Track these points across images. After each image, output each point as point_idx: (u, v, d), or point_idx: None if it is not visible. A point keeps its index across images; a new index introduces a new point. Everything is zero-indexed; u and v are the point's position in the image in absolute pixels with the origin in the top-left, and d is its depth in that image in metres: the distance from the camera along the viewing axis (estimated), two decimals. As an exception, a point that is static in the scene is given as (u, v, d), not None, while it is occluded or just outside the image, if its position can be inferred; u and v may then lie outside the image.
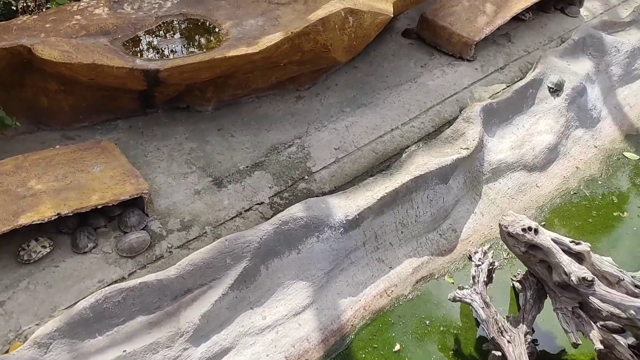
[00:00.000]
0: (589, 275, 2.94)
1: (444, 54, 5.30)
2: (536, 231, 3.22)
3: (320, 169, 4.13)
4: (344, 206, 3.67)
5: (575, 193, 4.49)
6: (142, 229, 3.53)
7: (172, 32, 4.44)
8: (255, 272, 3.41)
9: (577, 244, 3.20)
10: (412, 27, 5.58)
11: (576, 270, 3.00)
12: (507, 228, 3.31)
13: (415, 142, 4.49)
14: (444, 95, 4.88)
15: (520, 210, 4.32)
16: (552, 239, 3.23)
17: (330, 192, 4.01)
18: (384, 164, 4.30)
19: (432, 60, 5.23)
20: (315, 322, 3.47)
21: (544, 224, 4.23)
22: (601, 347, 2.99)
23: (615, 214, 4.30)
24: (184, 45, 4.32)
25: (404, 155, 4.30)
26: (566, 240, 3.23)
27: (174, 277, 3.15)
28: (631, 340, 3.33)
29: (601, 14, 6.15)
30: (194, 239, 3.58)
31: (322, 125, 4.43)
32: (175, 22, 4.48)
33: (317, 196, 3.94)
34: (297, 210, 3.54)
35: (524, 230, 3.24)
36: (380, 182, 3.95)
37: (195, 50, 4.25)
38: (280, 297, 3.47)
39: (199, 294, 3.23)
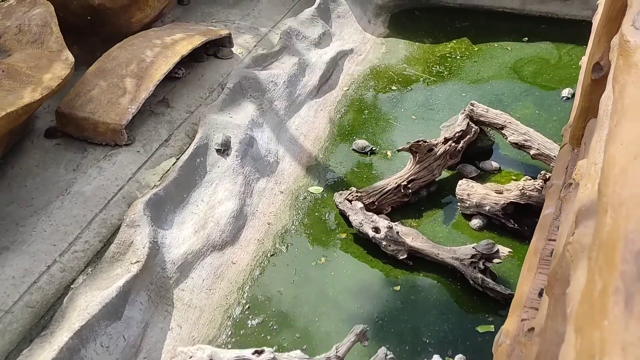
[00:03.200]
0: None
1: (98, 146, 4.65)
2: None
3: (-47, 366, 3.19)
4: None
5: (272, 254, 4.27)
6: None
7: None
8: None
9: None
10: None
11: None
12: (176, 373, 2.84)
13: (83, 271, 3.80)
14: (107, 197, 4.24)
15: (221, 299, 3.94)
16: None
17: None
18: (46, 317, 3.53)
19: (86, 158, 4.54)
20: None
21: (249, 306, 3.92)
22: None
23: (313, 263, 4.19)
24: None
25: (65, 298, 3.58)
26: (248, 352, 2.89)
27: None
28: None
29: (255, 46, 6.10)
30: None
31: (-54, 302, 3.45)
32: None
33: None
34: None
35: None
36: (37, 354, 3.18)
37: None
38: None
39: None
